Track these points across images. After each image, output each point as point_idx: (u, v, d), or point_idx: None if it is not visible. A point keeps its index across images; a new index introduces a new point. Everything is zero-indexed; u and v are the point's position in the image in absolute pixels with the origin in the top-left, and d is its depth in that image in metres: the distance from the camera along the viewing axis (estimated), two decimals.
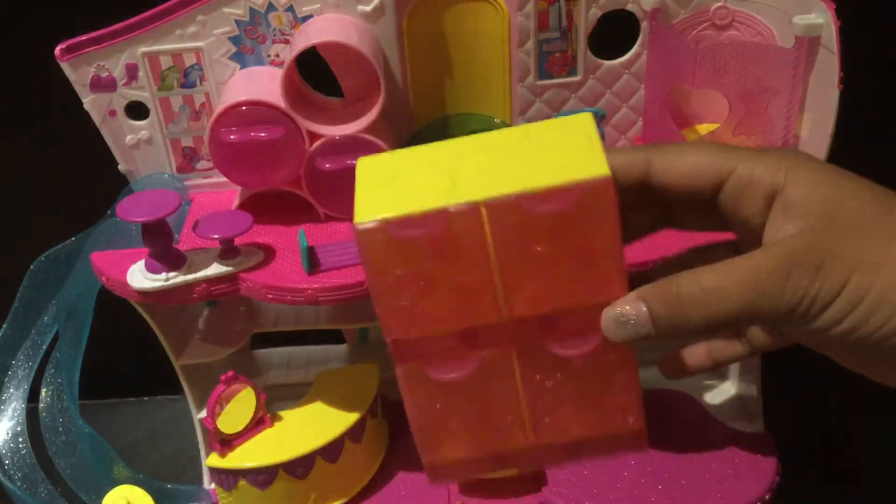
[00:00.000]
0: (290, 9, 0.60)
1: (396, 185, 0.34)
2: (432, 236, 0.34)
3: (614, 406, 0.37)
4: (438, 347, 0.36)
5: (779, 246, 0.33)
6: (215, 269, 0.58)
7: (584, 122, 0.35)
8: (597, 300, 0.34)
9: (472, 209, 0.33)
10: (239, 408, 0.63)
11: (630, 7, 0.61)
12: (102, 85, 0.61)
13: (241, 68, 0.62)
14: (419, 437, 0.38)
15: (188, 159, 0.66)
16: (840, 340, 0.32)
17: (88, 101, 0.62)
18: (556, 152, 0.34)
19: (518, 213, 0.33)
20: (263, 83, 0.60)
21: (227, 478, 0.63)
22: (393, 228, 0.33)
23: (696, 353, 0.46)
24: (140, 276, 0.57)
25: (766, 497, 0.64)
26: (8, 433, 0.63)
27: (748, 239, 0.36)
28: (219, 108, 0.58)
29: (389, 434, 0.72)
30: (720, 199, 0.36)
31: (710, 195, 0.36)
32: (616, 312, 0.34)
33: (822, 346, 0.34)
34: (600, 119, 0.66)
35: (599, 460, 0.37)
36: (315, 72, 0.62)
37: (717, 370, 0.76)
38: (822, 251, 0.32)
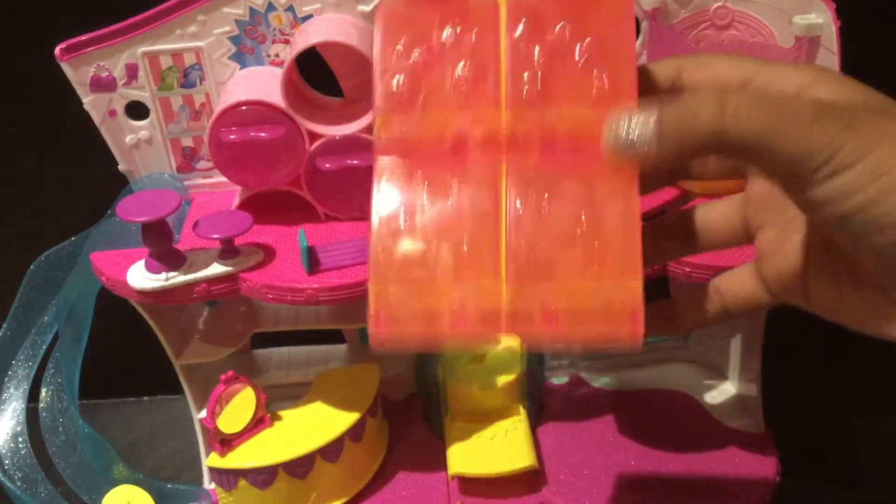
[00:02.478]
0: (290, 9, 0.60)
1: None
2: (451, 9, 0.35)
3: (609, 260, 0.32)
4: (427, 145, 0.34)
5: (813, 98, 0.31)
6: (215, 269, 0.58)
7: None
8: (603, 111, 0.33)
9: None
10: (239, 408, 0.63)
11: None
12: (102, 85, 0.61)
13: (241, 68, 0.62)
14: (376, 249, 0.33)
15: (188, 159, 0.66)
16: (851, 216, 0.30)
17: (88, 101, 0.62)
18: None
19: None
20: (263, 83, 0.60)
21: (227, 478, 0.63)
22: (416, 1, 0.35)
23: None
24: (140, 276, 0.57)
25: (766, 497, 0.64)
26: (8, 433, 0.63)
27: None
28: (219, 108, 0.58)
29: (389, 434, 0.72)
30: None
31: None
32: (619, 116, 0.32)
33: (828, 222, 0.31)
34: None
35: (588, 346, 0.33)
36: (315, 72, 0.62)
37: (718, 370, 0.76)
38: (853, 113, 0.30)
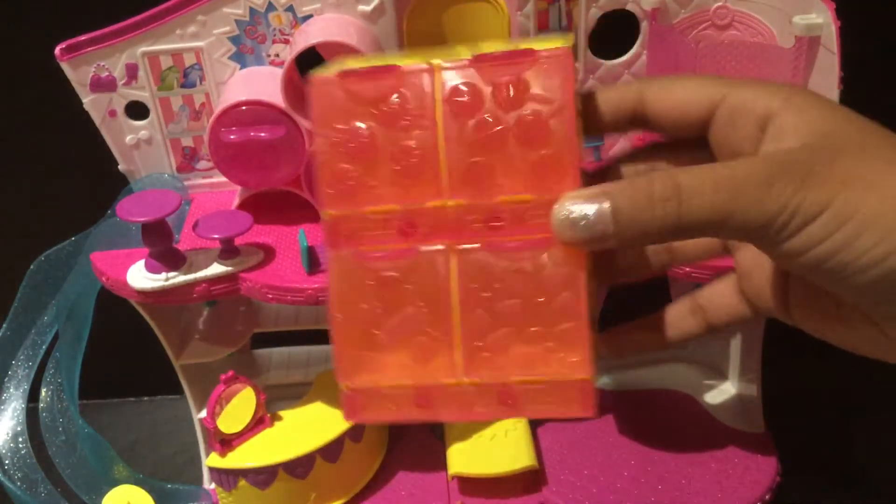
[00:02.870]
0: (290, 9, 0.60)
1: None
2: (384, 90, 0.33)
3: (557, 340, 0.33)
4: (375, 233, 0.34)
5: (765, 155, 0.31)
6: (215, 269, 0.58)
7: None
8: (546, 193, 0.32)
9: (426, 69, 0.33)
10: (239, 408, 0.63)
11: (630, 7, 0.61)
12: (102, 85, 0.61)
13: (241, 68, 0.62)
14: (340, 347, 0.35)
15: (188, 159, 0.66)
16: (819, 264, 0.29)
17: (88, 101, 0.62)
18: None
19: (471, 76, 0.33)
20: (263, 83, 0.60)
21: (227, 478, 0.63)
22: (347, 80, 0.33)
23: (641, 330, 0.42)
24: (140, 276, 0.57)
25: (766, 497, 0.64)
26: (8, 433, 0.63)
27: None
28: (219, 108, 0.58)
29: (389, 434, 0.72)
30: (711, 132, 0.34)
31: (701, 124, 0.34)
32: (569, 204, 0.31)
33: (799, 270, 0.31)
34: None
35: (542, 418, 0.34)
36: None
37: (718, 370, 0.76)
38: (811, 163, 0.29)
